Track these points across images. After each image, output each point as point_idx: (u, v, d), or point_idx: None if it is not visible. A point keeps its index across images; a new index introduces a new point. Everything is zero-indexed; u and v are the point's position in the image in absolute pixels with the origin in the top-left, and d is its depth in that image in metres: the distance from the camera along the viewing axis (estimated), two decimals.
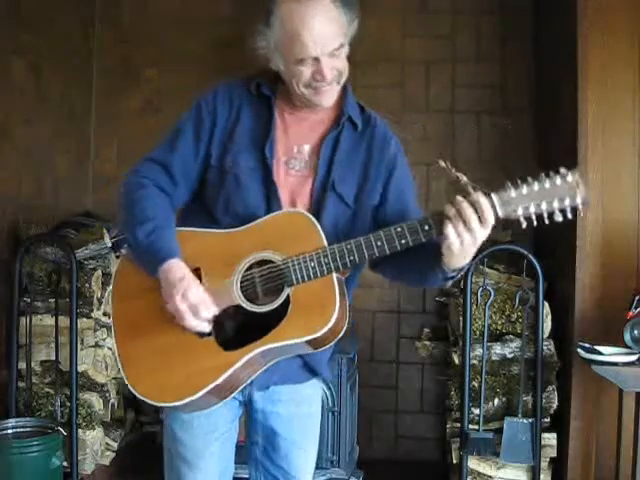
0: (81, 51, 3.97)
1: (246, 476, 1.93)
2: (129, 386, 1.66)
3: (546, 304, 3.03)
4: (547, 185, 1.50)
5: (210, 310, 1.60)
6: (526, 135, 3.78)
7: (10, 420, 3.04)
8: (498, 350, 3.07)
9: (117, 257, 3.43)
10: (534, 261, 3.01)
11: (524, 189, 1.51)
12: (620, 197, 2.96)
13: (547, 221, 1.50)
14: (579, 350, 2.78)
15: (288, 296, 1.61)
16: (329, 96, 1.69)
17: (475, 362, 3.05)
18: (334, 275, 1.61)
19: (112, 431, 3.38)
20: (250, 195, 1.69)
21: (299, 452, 1.86)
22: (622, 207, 2.96)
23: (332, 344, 1.65)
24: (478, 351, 3.05)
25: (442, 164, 1.66)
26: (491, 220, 1.53)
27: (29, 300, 3.22)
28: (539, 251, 3.24)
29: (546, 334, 3.03)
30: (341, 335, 1.64)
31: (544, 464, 2.99)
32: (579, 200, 1.49)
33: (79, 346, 3.17)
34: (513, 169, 3.66)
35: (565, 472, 2.98)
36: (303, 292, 1.60)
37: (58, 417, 3.15)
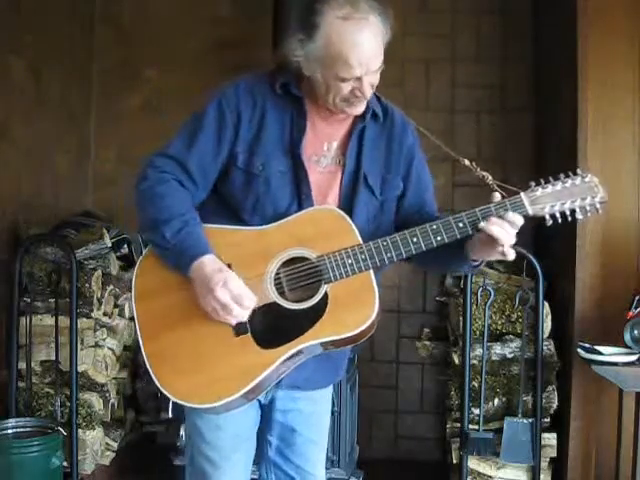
0: (81, 51, 3.97)
1: (255, 477, 1.94)
2: (161, 388, 1.61)
3: (546, 304, 3.03)
4: (568, 185, 1.60)
5: (252, 299, 1.58)
6: (526, 135, 3.78)
7: (10, 420, 3.04)
8: (498, 350, 3.07)
9: (117, 257, 3.44)
10: (534, 261, 3.01)
11: (549, 188, 1.61)
12: (620, 197, 2.96)
13: (569, 219, 1.61)
14: (579, 350, 2.78)
15: (325, 294, 1.61)
16: (361, 107, 1.69)
17: (475, 362, 3.05)
18: (371, 272, 1.62)
19: (112, 431, 3.38)
20: (281, 197, 1.68)
21: (315, 448, 1.89)
22: (622, 207, 2.96)
23: (366, 338, 1.66)
24: (478, 351, 3.05)
25: (466, 163, 1.73)
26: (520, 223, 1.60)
27: (29, 300, 3.22)
28: (539, 251, 3.24)
29: (546, 334, 3.03)
30: (375, 328, 1.65)
31: (544, 464, 2.99)
32: (598, 199, 1.60)
33: (79, 346, 3.17)
34: (513, 169, 3.67)
35: (565, 472, 2.98)
36: (341, 289, 1.61)
37: (58, 417, 3.15)
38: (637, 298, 2.77)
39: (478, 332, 3.06)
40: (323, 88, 1.65)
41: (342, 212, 1.66)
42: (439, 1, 3.87)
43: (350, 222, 1.64)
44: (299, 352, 1.61)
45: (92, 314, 3.25)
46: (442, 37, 3.85)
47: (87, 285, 3.23)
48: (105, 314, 3.32)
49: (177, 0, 4.02)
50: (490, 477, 3.02)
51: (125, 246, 3.52)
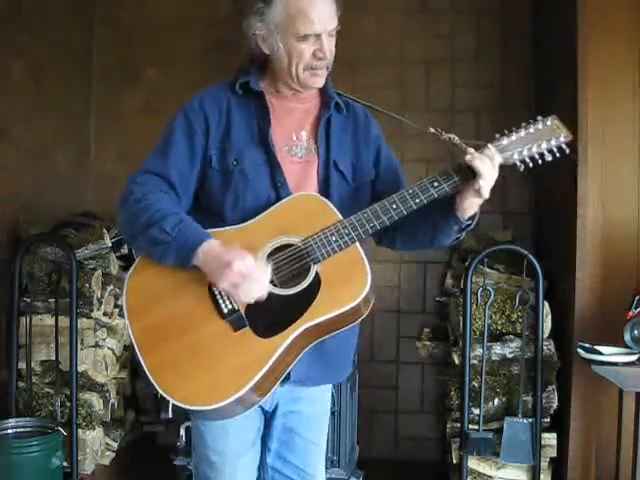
0: (81, 51, 3.97)
1: None
2: (167, 396, 1.60)
3: (546, 304, 3.03)
4: (532, 130, 1.68)
5: (267, 271, 1.60)
6: None
7: (10, 420, 3.04)
8: (498, 350, 3.07)
9: (117, 257, 3.44)
10: (534, 261, 3.01)
11: (513, 136, 1.68)
12: (620, 197, 2.96)
13: (540, 162, 1.67)
14: (579, 350, 2.78)
15: (317, 274, 1.63)
16: (322, 79, 1.76)
17: (475, 362, 3.05)
18: (358, 244, 1.65)
19: (112, 431, 3.38)
20: (259, 188, 1.72)
21: (315, 449, 1.90)
22: (622, 207, 2.96)
23: (366, 314, 1.68)
24: (478, 351, 3.05)
25: (432, 130, 1.78)
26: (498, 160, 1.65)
27: (29, 300, 3.22)
28: (539, 251, 3.24)
29: (546, 334, 3.03)
30: (371, 306, 1.68)
31: (544, 464, 2.99)
32: (562, 139, 1.67)
33: (79, 346, 3.17)
34: (512, 168, 3.66)
35: (565, 472, 2.98)
36: (331, 267, 1.63)
37: (58, 417, 3.15)
38: (637, 298, 2.77)
39: (478, 332, 3.06)
40: (285, 60, 1.71)
41: (318, 194, 1.70)
42: (439, 1, 3.87)
43: (327, 202, 1.68)
44: (301, 336, 1.61)
45: (92, 314, 3.25)
46: (442, 37, 3.85)
47: (87, 285, 3.23)
48: (105, 314, 3.32)
49: (177, 0, 4.02)
50: (490, 477, 3.02)
51: (125, 246, 3.52)
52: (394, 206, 1.64)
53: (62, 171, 3.81)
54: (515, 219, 3.71)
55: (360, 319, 1.68)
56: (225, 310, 1.62)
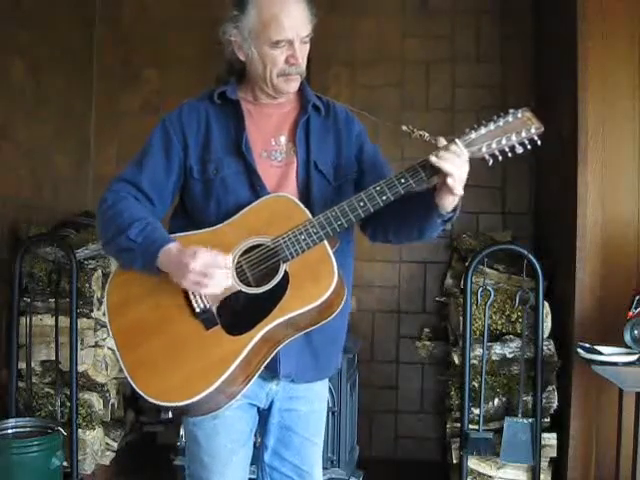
0: (81, 51, 3.97)
1: (253, 477, 1.95)
2: (143, 394, 1.65)
3: (546, 304, 3.03)
4: (502, 123, 1.65)
5: (227, 257, 1.62)
6: None
7: (10, 420, 3.04)
8: (498, 350, 3.07)
9: None
10: (534, 261, 3.01)
11: (482, 130, 1.65)
12: (620, 197, 2.96)
13: (510, 154, 1.64)
14: (579, 350, 2.78)
15: (286, 272, 1.65)
16: (296, 84, 1.78)
17: (475, 362, 3.05)
18: (326, 242, 1.67)
19: (112, 431, 3.38)
20: (240, 195, 1.75)
21: (312, 447, 1.91)
22: (622, 207, 2.96)
23: (338, 310, 1.70)
24: (478, 351, 3.05)
25: (404, 128, 1.76)
26: (466, 157, 1.62)
27: (29, 300, 3.22)
28: (539, 251, 3.24)
29: (546, 334, 3.03)
30: (344, 303, 1.70)
31: (544, 464, 2.99)
32: (533, 131, 1.65)
33: (79, 346, 3.17)
34: (513, 169, 3.67)
35: (565, 472, 2.98)
36: (300, 265, 1.66)
37: (58, 417, 3.16)
38: (637, 298, 2.77)
39: (478, 332, 3.06)
40: (260, 66, 1.74)
41: (288, 195, 1.72)
42: (439, 1, 3.88)
43: (297, 202, 1.70)
44: (271, 332, 1.64)
45: (92, 314, 3.25)
46: (442, 38, 3.85)
47: (87, 285, 3.23)
48: (105, 314, 3.32)
49: (177, 0, 4.02)
50: (490, 477, 3.02)
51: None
52: (361, 203, 1.65)
53: (62, 171, 3.81)
54: (515, 219, 3.71)
55: (334, 314, 1.70)
56: (197, 309, 1.66)
